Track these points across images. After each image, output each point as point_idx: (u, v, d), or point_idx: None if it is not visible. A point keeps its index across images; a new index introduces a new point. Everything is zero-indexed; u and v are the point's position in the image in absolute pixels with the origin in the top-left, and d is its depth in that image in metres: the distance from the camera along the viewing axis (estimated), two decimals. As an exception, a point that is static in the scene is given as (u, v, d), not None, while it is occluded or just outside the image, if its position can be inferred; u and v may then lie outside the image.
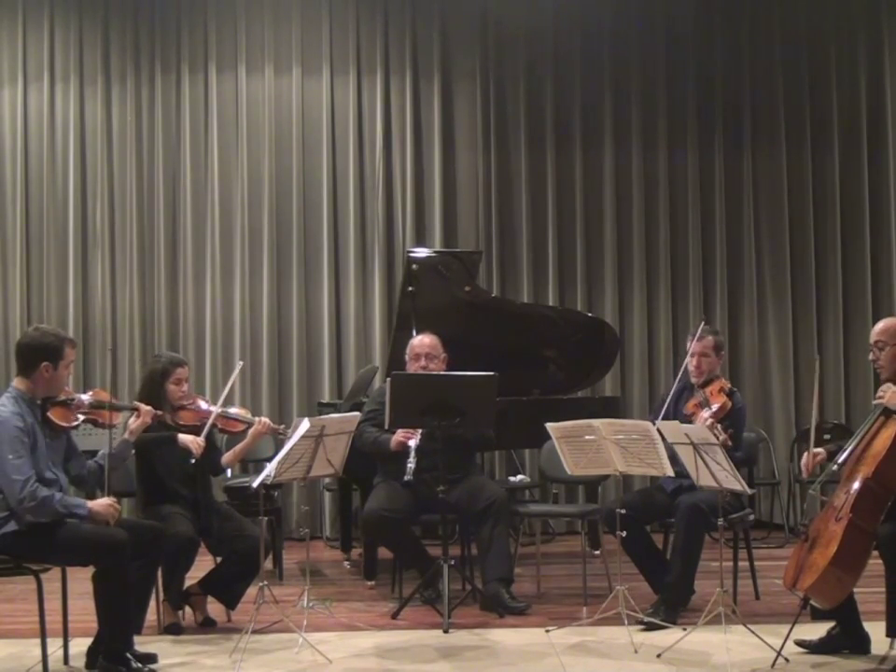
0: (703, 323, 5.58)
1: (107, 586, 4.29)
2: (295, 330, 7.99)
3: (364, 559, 6.14)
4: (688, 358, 5.45)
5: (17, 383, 4.41)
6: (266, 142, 8.05)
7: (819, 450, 4.67)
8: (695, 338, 5.44)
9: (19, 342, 4.56)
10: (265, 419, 5.28)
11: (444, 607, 5.09)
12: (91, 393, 4.67)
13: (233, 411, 5.33)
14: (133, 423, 4.72)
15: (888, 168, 8.25)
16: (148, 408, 4.80)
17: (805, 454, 4.67)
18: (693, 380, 5.40)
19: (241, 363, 5.89)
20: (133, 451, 4.87)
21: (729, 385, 5.41)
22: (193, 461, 5.02)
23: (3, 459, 4.19)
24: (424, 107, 8.15)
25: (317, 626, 5.06)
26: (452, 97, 8.21)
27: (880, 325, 4.62)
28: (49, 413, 4.42)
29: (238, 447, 5.36)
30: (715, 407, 5.18)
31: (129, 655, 4.35)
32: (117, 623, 4.33)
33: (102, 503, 4.39)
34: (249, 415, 5.32)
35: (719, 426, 5.03)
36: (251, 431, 5.23)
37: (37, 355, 4.36)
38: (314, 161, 8.08)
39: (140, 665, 4.35)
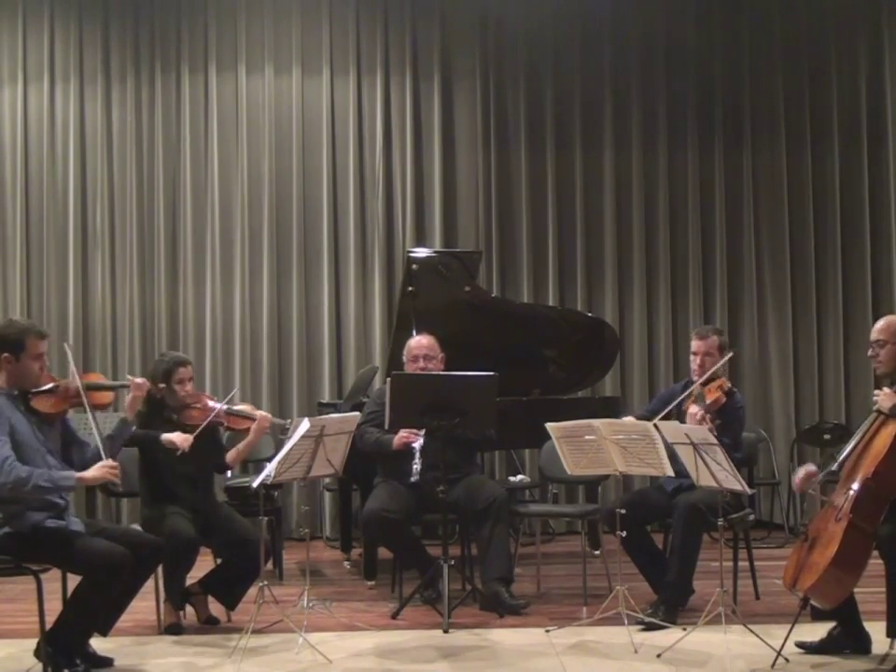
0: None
1: (90, 592, 4.25)
2: (295, 330, 7.99)
3: (364, 559, 6.14)
4: (691, 357, 5.46)
5: None
6: (266, 142, 8.05)
7: (813, 467, 4.65)
8: (699, 337, 5.45)
9: None
10: (265, 413, 5.27)
11: (444, 607, 5.09)
12: (77, 378, 4.52)
13: (238, 407, 5.33)
14: (128, 399, 4.66)
15: (888, 168, 8.25)
16: (140, 380, 4.75)
17: (800, 469, 4.68)
18: (695, 378, 5.40)
19: (236, 390, 5.90)
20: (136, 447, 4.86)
21: (729, 385, 5.40)
22: (179, 453, 4.98)
23: None
24: (424, 107, 8.16)
25: (317, 626, 5.06)
26: (452, 97, 8.21)
27: (881, 322, 4.63)
28: (32, 404, 4.39)
29: (241, 444, 5.35)
30: (708, 401, 5.19)
31: (79, 655, 4.33)
32: (80, 624, 4.32)
33: (93, 469, 4.32)
34: (253, 411, 5.33)
35: (708, 416, 5.06)
36: (253, 427, 5.23)
37: None
38: (314, 160, 8.08)
39: (82, 664, 4.31)
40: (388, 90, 8.12)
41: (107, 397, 4.69)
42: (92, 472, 4.32)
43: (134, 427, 4.78)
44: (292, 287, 8.01)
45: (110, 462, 4.35)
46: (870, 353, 4.65)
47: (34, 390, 4.41)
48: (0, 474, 4.13)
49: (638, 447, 4.90)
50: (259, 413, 5.28)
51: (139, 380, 4.76)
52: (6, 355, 4.34)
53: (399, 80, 8.13)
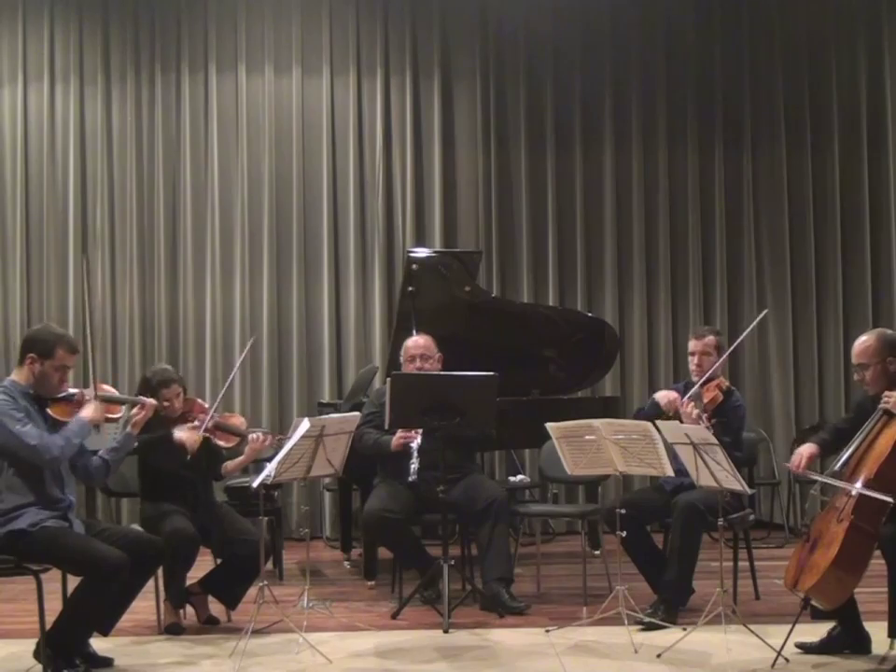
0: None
1: (87, 593, 4.25)
2: (295, 331, 7.99)
3: (364, 559, 6.14)
4: (689, 357, 5.47)
5: (14, 373, 4.48)
6: (266, 142, 8.05)
7: (814, 448, 4.64)
8: (696, 336, 5.47)
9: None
10: (261, 435, 5.21)
11: (444, 607, 5.08)
12: (92, 387, 4.62)
13: (229, 422, 5.27)
14: (136, 416, 4.70)
15: (888, 168, 8.24)
16: (152, 400, 4.80)
17: (799, 450, 4.66)
18: (694, 378, 5.41)
19: (253, 338, 5.81)
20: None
21: (727, 384, 5.42)
22: (189, 457, 5.00)
23: (11, 433, 4.24)
24: (424, 107, 8.16)
25: (317, 626, 5.07)
26: (452, 97, 8.21)
27: (856, 347, 4.58)
28: (48, 410, 4.46)
29: (237, 461, 5.33)
30: (705, 400, 5.21)
31: (79, 655, 4.34)
32: (78, 624, 4.33)
33: (88, 409, 4.46)
34: (245, 428, 5.28)
35: (704, 416, 5.06)
36: (247, 449, 5.21)
37: (27, 346, 4.46)
38: (314, 160, 8.08)
39: (82, 664, 4.32)
40: (388, 90, 8.12)
41: (119, 410, 4.73)
42: (87, 415, 4.44)
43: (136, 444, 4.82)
44: (292, 288, 8.01)
45: (99, 407, 4.50)
46: (856, 377, 4.64)
47: (52, 397, 4.47)
48: (46, 450, 4.26)
49: (638, 447, 4.90)
50: (253, 436, 5.22)
51: (150, 401, 4.79)
52: (32, 355, 4.41)
53: (398, 80, 8.13)
